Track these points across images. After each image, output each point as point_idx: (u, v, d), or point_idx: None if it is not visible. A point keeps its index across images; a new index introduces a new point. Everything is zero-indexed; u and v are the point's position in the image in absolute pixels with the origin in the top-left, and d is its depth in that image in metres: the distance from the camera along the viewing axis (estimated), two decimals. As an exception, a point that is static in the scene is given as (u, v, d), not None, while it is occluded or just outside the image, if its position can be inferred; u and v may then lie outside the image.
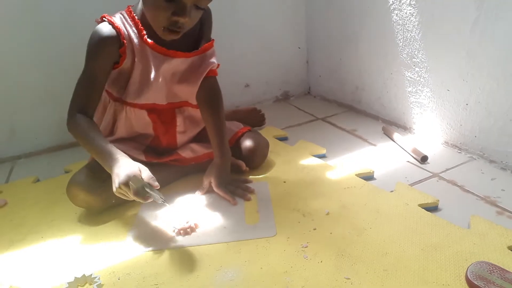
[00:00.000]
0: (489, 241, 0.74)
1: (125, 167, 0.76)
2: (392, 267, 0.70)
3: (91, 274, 0.71)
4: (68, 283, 0.69)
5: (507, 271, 0.64)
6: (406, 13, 1.17)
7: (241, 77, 1.59)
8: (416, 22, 1.15)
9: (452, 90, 1.10)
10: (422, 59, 1.17)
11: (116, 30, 0.85)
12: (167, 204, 0.78)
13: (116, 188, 0.75)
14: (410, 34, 1.18)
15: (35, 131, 1.31)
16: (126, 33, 0.86)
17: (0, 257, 0.80)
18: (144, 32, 0.87)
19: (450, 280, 0.65)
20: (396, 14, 1.21)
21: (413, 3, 1.14)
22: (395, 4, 1.20)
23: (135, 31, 0.87)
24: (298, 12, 1.61)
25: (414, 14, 1.15)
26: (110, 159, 0.78)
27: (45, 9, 1.20)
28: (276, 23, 1.58)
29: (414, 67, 1.20)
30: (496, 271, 0.64)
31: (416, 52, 1.18)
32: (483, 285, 0.62)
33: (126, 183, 0.73)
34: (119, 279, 0.71)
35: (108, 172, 0.79)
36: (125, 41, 0.86)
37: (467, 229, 0.78)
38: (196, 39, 0.95)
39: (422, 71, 1.18)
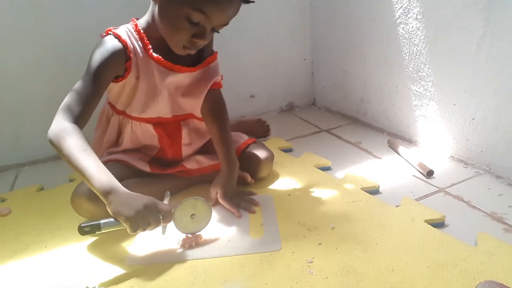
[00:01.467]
0: (497, 259, 0.73)
1: (140, 200, 0.74)
2: (398, 285, 0.69)
3: (95, 287, 0.70)
4: (71, 295, 0.69)
5: (515, 291, 0.64)
6: (412, 27, 1.18)
7: (246, 88, 1.60)
8: (423, 36, 1.15)
9: (458, 105, 1.10)
10: (428, 73, 1.17)
11: (122, 44, 0.85)
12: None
13: (138, 227, 0.73)
14: (416, 48, 1.18)
15: (40, 139, 1.31)
16: (132, 47, 0.86)
17: (3, 267, 0.80)
18: (150, 46, 0.87)
19: (457, 300, 0.65)
20: (403, 28, 1.21)
21: (419, 17, 1.14)
22: (401, 18, 1.20)
23: (141, 45, 0.87)
24: (303, 24, 1.62)
25: (421, 29, 1.15)
26: (110, 185, 0.74)
27: (52, 19, 1.22)
28: (281, 35, 1.59)
29: (420, 81, 1.20)
30: (505, 291, 0.63)
31: (422, 66, 1.18)
32: (491, 306, 0.61)
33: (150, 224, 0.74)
34: (122, 292, 0.71)
35: (98, 194, 0.74)
36: (131, 55, 0.85)
37: (474, 247, 0.78)
38: (199, 52, 0.95)
39: (428, 85, 1.18)
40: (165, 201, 0.81)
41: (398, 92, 1.30)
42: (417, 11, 1.15)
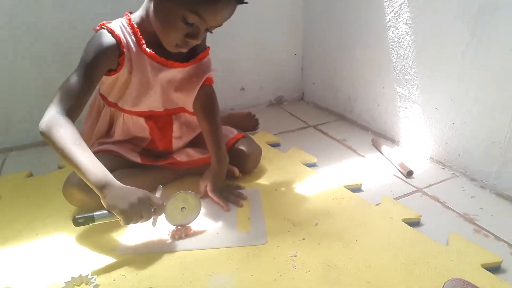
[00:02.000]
0: (465, 258, 0.79)
1: (134, 193, 0.77)
2: (375, 280, 0.74)
3: (88, 275, 0.73)
4: (65, 282, 0.71)
5: (480, 288, 0.69)
6: (402, 31, 1.21)
7: (237, 81, 1.62)
8: (411, 41, 1.19)
9: (440, 109, 1.15)
10: (414, 77, 1.21)
11: (116, 39, 0.85)
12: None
13: (131, 219, 0.75)
14: (404, 52, 1.22)
15: (28, 124, 1.31)
16: (125, 41, 0.87)
17: (-5, 253, 0.82)
18: (143, 41, 0.88)
19: (427, 295, 0.70)
20: (392, 31, 1.25)
21: (409, 22, 1.18)
22: (392, 21, 1.24)
23: (134, 39, 0.88)
24: (295, 19, 1.64)
25: (410, 33, 1.19)
26: (104, 179, 0.76)
27: (47, 7, 1.21)
28: (273, 29, 1.61)
29: (405, 84, 1.25)
30: (470, 289, 0.69)
31: (409, 69, 1.22)
32: (457, 302, 0.67)
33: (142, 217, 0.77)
34: (114, 280, 0.74)
35: (91, 186, 0.76)
36: (124, 50, 0.86)
37: (445, 246, 0.83)
38: (192, 48, 0.96)
39: (413, 88, 1.22)
40: (157, 194, 0.84)
41: (384, 93, 1.35)
42: (408, 16, 1.18)
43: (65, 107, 0.80)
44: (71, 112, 0.81)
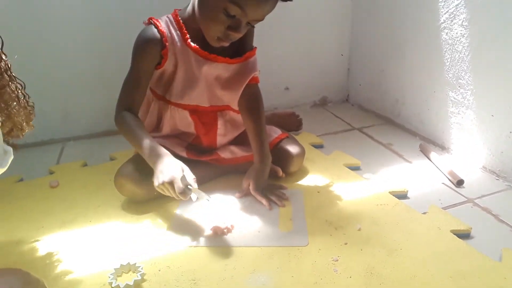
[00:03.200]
0: (520, 277, 0.75)
1: (169, 165, 0.82)
2: (419, 291, 0.72)
3: (135, 263, 0.77)
4: (114, 269, 0.75)
5: (535, 310, 0.65)
6: (456, 33, 1.16)
7: (282, 80, 1.62)
8: (466, 44, 1.14)
9: (496, 116, 1.09)
10: (469, 81, 1.15)
11: (160, 33, 0.90)
12: (210, 201, 0.84)
13: (158, 184, 0.81)
14: (459, 55, 1.17)
15: (85, 116, 1.40)
16: (169, 35, 0.91)
17: (54, 236, 0.88)
18: (188, 36, 0.92)
19: (476, 312, 0.67)
20: (446, 33, 1.19)
21: (465, 24, 1.13)
22: (446, 23, 1.19)
23: (179, 34, 0.92)
24: (344, 19, 1.62)
25: (465, 36, 1.13)
26: (154, 155, 0.85)
27: (105, 1, 1.27)
28: (320, 28, 1.60)
29: (459, 88, 1.19)
30: (525, 309, 0.65)
31: (463, 73, 1.17)
32: (509, 322, 0.63)
33: (170, 181, 0.80)
34: (159, 271, 0.77)
35: (151, 166, 0.85)
36: (167, 44, 0.90)
37: (498, 262, 0.79)
38: (238, 46, 0.98)
39: (467, 93, 1.17)
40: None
41: (435, 97, 1.29)
42: (464, 18, 1.13)
43: (124, 104, 0.93)
44: (131, 107, 0.93)
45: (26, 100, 0.62)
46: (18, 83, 0.61)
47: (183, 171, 0.82)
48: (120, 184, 0.95)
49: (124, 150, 1.26)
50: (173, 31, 0.92)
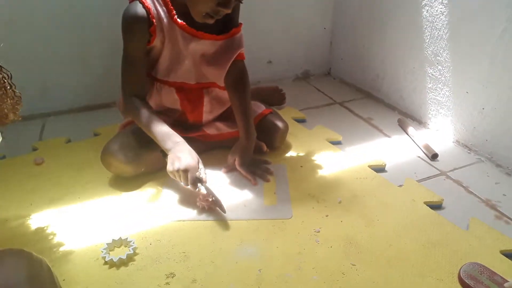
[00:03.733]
0: (484, 244, 0.82)
1: (187, 155, 0.88)
2: (394, 259, 0.78)
3: (127, 238, 0.80)
4: (107, 243, 0.78)
5: (496, 273, 0.72)
6: (437, 10, 1.18)
7: (265, 53, 1.63)
8: (446, 22, 1.16)
9: (471, 93, 1.14)
10: (446, 59, 1.19)
11: (146, 10, 0.88)
12: (214, 199, 0.89)
13: (173, 169, 0.86)
14: (438, 33, 1.20)
15: (65, 91, 1.37)
16: (155, 12, 0.90)
17: (42, 213, 0.89)
18: (174, 12, 0.91)
19: (444, 276, 0.74)
20: (427, 10, 1.22)
21: (445, 2, 1.15)
22: (427, 0, 1.21)
23: (165, 10, 0.91)
24: (327, -8, 1.61)
25: (445, 13, 1.16)
26: (171, 141, 0.90)
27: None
28: (303, 2, 1.59)
29: (437, 65, 1.23)
30: (486, 273, 0.72)
31: (441, 51, 1.20)
32: (472, 284, 0.70)
33: (185, 170, 0.85)
34: (150, 244, 0.81)
35: (164, 150, 0.90)
36: (154, 20, 0.89)
37: (465, 230, 0.86)
38: (223, 22, 0.97)
39: (445, 70, 1.21)
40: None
41: (414, 73, 1.33)
42: (444, -5, 1.15)
43: (129, 88, 0.95)
44: (137, 90, 0.95)
45: (13, 90, 0.62)
46: (5, 73, 0.60)
47: (198, 163, 0.88)
48: (108, 162, 0.96)
49: (107, 125, 1.26)
50: (158, 7, 0.90)
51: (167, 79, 1.00)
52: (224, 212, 0.88)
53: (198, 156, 0.89)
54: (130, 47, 0.91)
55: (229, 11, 0.85)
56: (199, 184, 0.87)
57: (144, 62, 0.94)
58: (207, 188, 0.89)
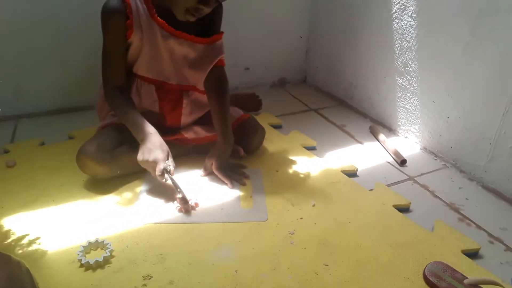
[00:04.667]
0: (447, 244, 0.87)
1: (157, 147, 0.91)
2: (364, 259, 0.82)
3: (104, 240, 0.80)
4: (83, 246, 0.78)
5: (457, 271, 0.77)
6: (406, 23, 1.25)
7: (242, 60, 1.66)
8: (414, 34, 1.23)
9: (437, 103, 1.21)
10: (415, 69, 1.26)
11: (124, 3, 0.90)
12: (181, 195, 0.91)
13: (142, 159, 0.89)
14: (407, 44, 1.26)
15: (39, 93, 1.35)
16: (135, 8, 0.92)
17: (16, 216, 0.88)
18: (155, 10, 0.93)
19: (410, 275, 0.78)
20: (397, 23, 1.28)
21: (414, 15, 1.22)
22: (397, 13, 1.27)
23: (145, 8, 0.93)
24: (304, 1, 1.66)
25: (413, 26, 1.23)
26: (143, 132, 0.92)
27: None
28: (280, 10, 1.64)
29: (406, 75, 1.30)
30: (448, 271, 0.77)
31: (410, 61, 1.27)
32: (436, 281, 0.75)
33: (153, 161, 0.89)
34: (127, 247, 0.81)
35: (138, 141, 0.93)
36: (131, 15, 0.91)
37: (430, 232, 0.91)
38: (204, 26, 1.00)
39: (413, 80, 1.27)
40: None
41: (385, 82, 1.39)
42: (413, 10, 1.22)
43: (110, 81, 0.97)
44: (117, 82, 0.98)
45: None
46: None
47: (168, 155, 0.91)
48: (83, 163, 0.96)
49: (83, 128, 1.24)
50: (139, 3, 0.93)
51: (148, 75, 1.01)
52: (189, 209, 0.92)
53: (168, 148, 0.93)
54: (108, 40, 0.94)
55: (209, 10, 0.89)
56: (166, 175, 0.91)
57: (123, 54, 0.96)
58: (173, 180, 0.92)
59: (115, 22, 0.91)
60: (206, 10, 0.88)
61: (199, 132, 1.12)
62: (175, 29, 0.95)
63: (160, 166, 0.89)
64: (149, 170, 0.92)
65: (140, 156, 0.90)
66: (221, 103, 1.05)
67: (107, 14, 0.91)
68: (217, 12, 1.02)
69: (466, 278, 0.75)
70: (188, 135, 1.10)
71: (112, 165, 0.97)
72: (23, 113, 1.35)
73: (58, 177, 1.02)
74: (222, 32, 1.03)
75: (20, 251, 0.78)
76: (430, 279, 0.75)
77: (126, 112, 0.95)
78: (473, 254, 0.86)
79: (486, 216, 0.99)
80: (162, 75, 1.02)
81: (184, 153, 1.14)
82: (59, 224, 0.86)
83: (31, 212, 0.90)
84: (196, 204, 0.93)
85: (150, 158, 0.89)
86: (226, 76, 1.08)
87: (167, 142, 1.08)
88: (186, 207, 0.91)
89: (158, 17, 0.93)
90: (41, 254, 0.78)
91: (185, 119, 1.11)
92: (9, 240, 0.81)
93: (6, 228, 0.84)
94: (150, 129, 0.93)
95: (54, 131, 1.26)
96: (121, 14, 0.90)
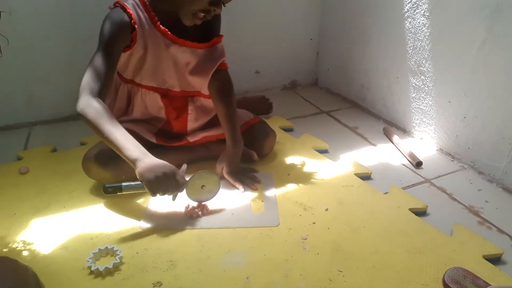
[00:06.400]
0: (467, 249, 0.83)
1: (165, 178, 0.83)
2: (380, 265, 0.79)
3: (114, 247, 0.79)
4: (93, 253, 0.77)
5: (478, 277, 0.74)
6: (419, 22, 1.22)
7: (252, 64, 1.64)
8: (428, 33, 1.20)
9: (453, 102, 1.17)
10: (429, 69, 1.23)
11: (128, 15, 0.89)
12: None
13: (157, 195, 0.84)
14: (420, 44, 1.23)
15: (52, 100, 1.36)
16: (137, 18, 0.91)
17: (28, 223, 0.88)
18: (157, 18, 0.92)
19: (429, 281, 0.75)
20: (410, 22, 1.25)
21: (427, 14, 1.19)
22: (409, 12, 1.24)
23: (146, 17, 0.92)
24: (313, 4, 1.64)
25: (427, 25, 1.20)
26: (138, 151, 0.82)
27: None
28: (291, 13, 1.62)
29: (420, 75, 1.26)
30: (469, 277, 0.74)
31: (424, 61, 1.23)
32: (456, 288, 0.72)
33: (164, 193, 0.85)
34: (137, 253, 0.80)
35: (130, 165, 0.82)
36: (136, 26, 0.90)
37: (449, 236, 0.88)
38: (204, 32, 1.00)
39: (427, 80, 1.24)
40: (181, 172, 0.89)
41: (398, 82, 1.36)
42: (426, 8, 1.19)
43: (94, 89, 0.86)
44: (101, 92, 0.86)
45: None
46: None
47: (176, 174, 0.85)
48: (87, 167, 0.96)
49: (95, 135, 1.23)
50: (140, 13, 0.92)
51: (152, 84, 1.00)
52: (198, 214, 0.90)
53: (170, 165, 0.85)
54: (109, 51, 0.89)
55: (218, 11, 0.89)
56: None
57: (116, 66, 0.91)
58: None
59: (122, 34, 0.90)
60: (218, 11, 0.88)
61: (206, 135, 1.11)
62: (177, 36, 0.95)
63: (172, 196, 0.88)
64: (161, 193, 0.85)
65: (152, 189, 0.82)
66: (227, 106, 1.04)
67: (114, 27, 0.88)
68: (217, 17, 1.01)
69: (489, 285, 0.72)
70: (194, 140, 1.09)
71: (116, 170, 0.97)
72: (37, 120, 1.37)
73: (69, 183, 1.02)
74: (222, 35, 1.03)
75: (30, 257, 0.78)
76: (450, 286, 0.72)
77: (109, 128, 0.82)
78: (495, 260, 0.82)
79: (507, 219, 0.95)
80: (166, 83, 1.01)
81: (193, 160, 1.13)
82: (70, 231, 0.86)
83: (43, 218, 0.90)
84: (206, 210, 0.92)
85: (164, 194, 0.85)
86: (230, 79, 1.07)
87: (175, 148, 1.07)
88: (195, 212, 0.90)
89: (161, 25, 0.93)
90: (51, 260, 0.77)
91: (191, 124, 1.09)
92: (20, 246, 0.81)
93: (18, 234, 0.84)
94: (144, 152, 0.83)
95: (66, 137, 1.27)
96: (127, 26, 0.89)
